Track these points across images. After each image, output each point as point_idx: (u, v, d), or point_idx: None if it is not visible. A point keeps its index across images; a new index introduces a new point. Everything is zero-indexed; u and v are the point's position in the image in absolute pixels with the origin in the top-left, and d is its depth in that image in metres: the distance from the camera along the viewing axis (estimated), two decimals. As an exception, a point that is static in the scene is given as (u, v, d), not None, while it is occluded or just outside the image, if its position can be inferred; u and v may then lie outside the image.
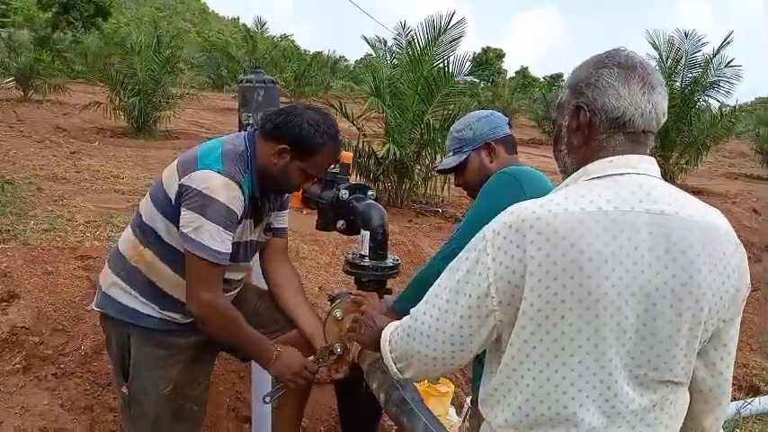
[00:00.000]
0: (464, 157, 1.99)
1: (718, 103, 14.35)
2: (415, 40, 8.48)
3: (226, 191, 1.80)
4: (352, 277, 2.20)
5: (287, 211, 2.23)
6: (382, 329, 1.44)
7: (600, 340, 1.10)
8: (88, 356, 3.42)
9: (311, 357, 1.99)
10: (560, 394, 1.13)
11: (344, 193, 2.25)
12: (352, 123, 8.81)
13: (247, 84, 3.07)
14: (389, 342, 1.36)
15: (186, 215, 1.80)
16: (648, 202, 1.12)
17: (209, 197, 1.78)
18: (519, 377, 1.16)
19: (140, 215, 1.98)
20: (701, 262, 1.11)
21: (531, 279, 1.10)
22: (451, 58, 8.43)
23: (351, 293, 2.18)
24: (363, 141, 8.68)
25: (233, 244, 1.87)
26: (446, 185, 8.79)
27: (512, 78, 32.76)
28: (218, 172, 1.81)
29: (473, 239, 1.21)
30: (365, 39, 10.31)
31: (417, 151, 8.76)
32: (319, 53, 33.97)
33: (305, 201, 2.53)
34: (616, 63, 1.19)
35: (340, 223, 2.28)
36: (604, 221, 1.09)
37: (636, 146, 1.19)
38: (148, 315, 1.96)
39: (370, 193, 2.30)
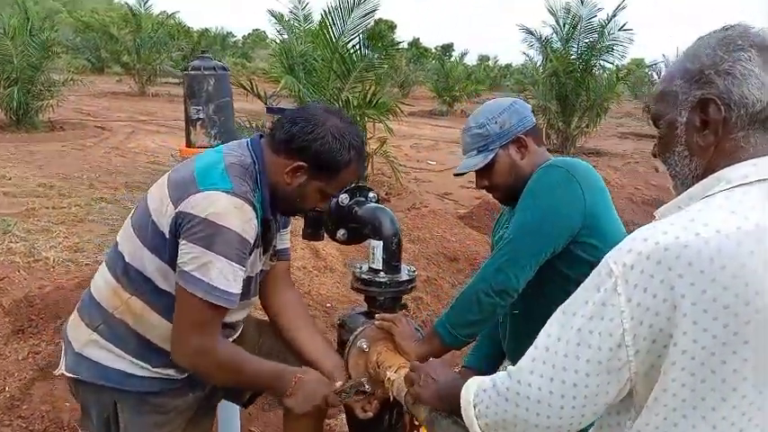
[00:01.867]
0: (492, 155, 1.71)
1: (613, 66, 14.99)
2: (329, 16, 8.07)
3: (238, 216, 1.45)
4: (362, 294, 1.91)
5: (289, 227, 1.88)
6: (452, 386, 1.24)
7: (765, 386, 0.91)
8: (15, 399, 2.92)
9: (335, 386, 1.68)
10: None
11: (344, 198, 1.94)
12: (265, 104, 8.35)
13: (194, 72, 2.67)
14: (475, 407, 1.10)
15: (188, 250, 1.43)
16: None
17: (218, 225, 1.42)
18: None
19: (121, 254, 1.57)
20: None
21: (685, 321, 0.89)
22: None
23: (362, 313, 1.89)
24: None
25: (247, 279, 1.54)
26: (369, 164, 8.53)
27: (406, 50, 32.80)
28: (227, 192, 1.45)
29: (592, 276, 0.98)
30: (270, 13, 9.78)
31: (336, 131, 8.41)
32: (207, 30, 32.52)
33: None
34: (754, 44, 0.96)
35: (341, 233, 1.97)
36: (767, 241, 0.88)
37: None
38: (138, 376, 1.58)
39: (371, 195, 2.00)
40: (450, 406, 1.27)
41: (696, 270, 0.88)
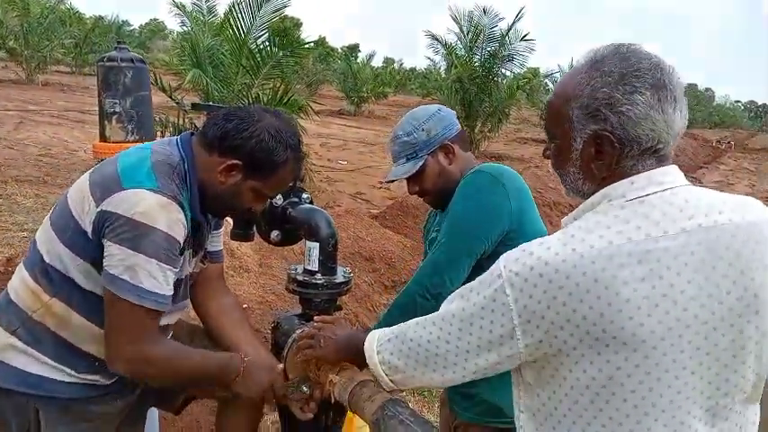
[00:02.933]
0: (421, 162, 1.76)
1: (512, 75, 15.63)
2: (236, 10, 7.88)
3: (165, 214, 1.39)
4: (297, 296, 1.89)
5: (221, 230, 1.82)
6: (352, 337, 1.43)
7: (654, 382, 1.00)
8: None
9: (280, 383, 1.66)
10: None
11: (278, 199, 1.91)
12: (171, 98, 8.05)
13: (110, 63, 2.54)
14: (379, 353, 1.28)
15: (113, 251, 1.37)
16: (683, 220, 1.01)
17: (144, 225, 1.36)
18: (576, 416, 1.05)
19: (40, 254, 1.47)
20: (753, 269, 1.02)
21: (568, 326, 0.99)
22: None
23: (297, 315, 1.87)
24: (185, 117, 7.94)
25: (178, 281, 1.49)
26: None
27: (313, 48, 32.61)
28: (152, 190, 1.39)
29: (487, 273, 1.09)
30: (174, 3, 9.40)
31: (246, 127, 8.23)
32: (101, 18, 30.82)
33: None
34: (648, 85, 1.02)
35: (275, 234, 1.94)
36: (638, 254, 0.98)
37: (661, 161, 1.07)
38: (61, 381, 1.48)
39: (305, 196, 1.98)
40: (349, 356, 1.45)
41: (572, 283, 0.98)
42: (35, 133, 11.03)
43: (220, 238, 1.82)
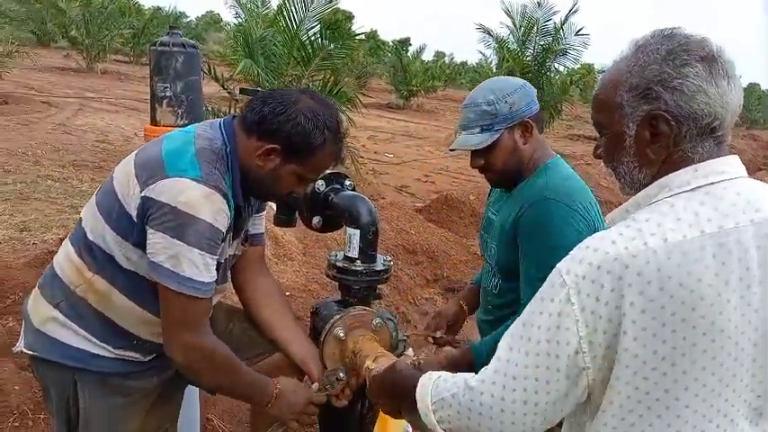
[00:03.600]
0: (497, 135, 1.67)
1: (566, 70, 15.30)
2: (290, 1, 7.94)
3: (209, 205, 1.40)
4: (336, 282, 1.89)
5: (263, 213, 1.83)
6: (398, 380, 1.27)
7: (717, 383, 0.96)
8: None
9: (314, 385, 1.66)
10: None
11: (320, 185, 1.91)
12: (223, 88, 8.21)
13: (162, 48, 2.58)
14: (435, 412, 1.13)
15: (157, 240, 1.39)
16: (751, 212, 0.97)
17: (188, 215, 1.37)
18: None
19: (85, 231, 1.50)
20: None
21: (634, 328, 0.93)
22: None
23: (335, 301, 1.87)
24: (236, 107, 8.07)
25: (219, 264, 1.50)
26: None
27: (364, 41, 32.68)
28: (196, 180, 1.40)
29: (546, 287, 1.01)
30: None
31: (296, 118, 8.31)
32: (159, 9, 31.56)
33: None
34: (698, 58, 0.98)
35: (316, 220, 1.95)
36: (711, 247, 0.93)
37: (720, 147, 1.02)
38: (100, 356, 1.52)
39: (347, 182, 1.98)
40: (394, 399, 1.31)
41: (644, 280, 0.92)
42: (93, 120, 11.38)
43: (262, 221, 1.83)
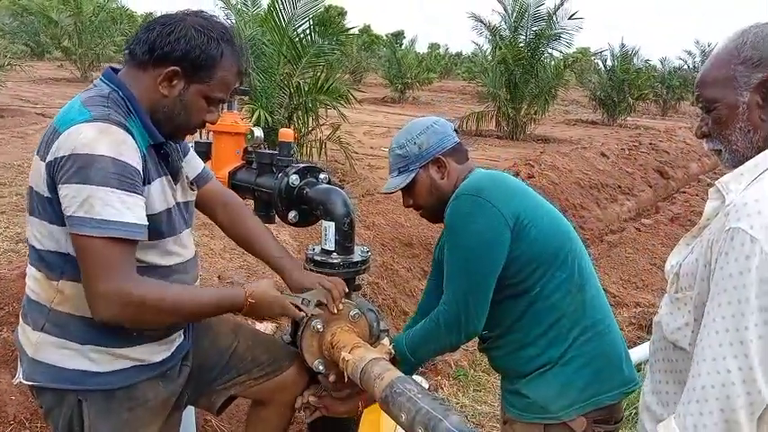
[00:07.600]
0: (412, 176, 1.75)
1: (561, 54, 15.25)
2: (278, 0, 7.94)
3: (106, 138, 1.31)
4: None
5: (191, 152, 1.77)
6: None
7: None
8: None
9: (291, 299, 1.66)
10: None
11: (295, 179, 1.92)
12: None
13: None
14: None
15: (64, 193, 1.30)
16: None
17: (86, 156, 1.28)
18: None
19: (33, 245, 1.46)
20: None
21: None
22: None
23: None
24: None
25: (164, 212, 1.45)
26: (322, 151, 8.47)
27: (357, 36, 32.66)
28: (87, 121, 1.32)
29: (732, 259, 1.05)
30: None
31: (288, 116, 8.32)
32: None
33: (236, 189, 2.16)
34: None
35: (292, 214, 1.95)
36: None
37: None
38: (101, 372, 1.47)
39: (322, 176, 1.98)
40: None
41: None
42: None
43: (197, 161, 1.78)
